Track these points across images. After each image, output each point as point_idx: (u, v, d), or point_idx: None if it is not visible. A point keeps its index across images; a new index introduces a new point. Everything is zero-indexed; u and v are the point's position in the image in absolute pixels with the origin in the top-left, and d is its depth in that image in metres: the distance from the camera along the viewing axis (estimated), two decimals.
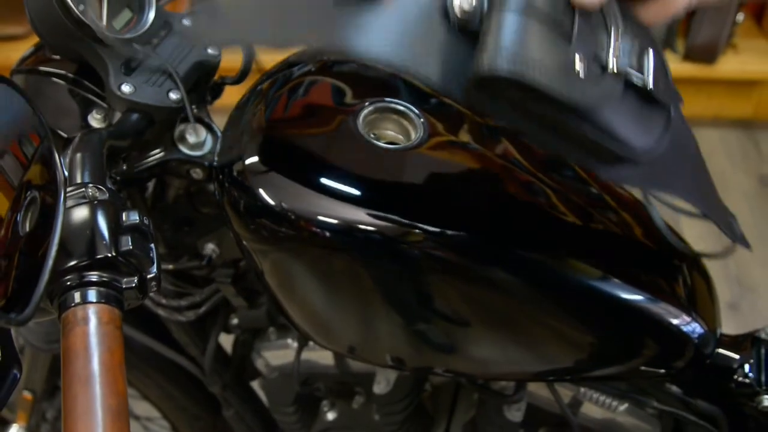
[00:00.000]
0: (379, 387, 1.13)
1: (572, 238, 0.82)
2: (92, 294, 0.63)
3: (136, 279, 0.66)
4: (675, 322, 0.91)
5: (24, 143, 0.72)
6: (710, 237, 0.86)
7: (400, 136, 0.92)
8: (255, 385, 1.36)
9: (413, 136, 0.90)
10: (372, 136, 0.89)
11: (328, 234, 0.84)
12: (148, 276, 0.68)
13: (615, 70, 0.68)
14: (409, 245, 0.85)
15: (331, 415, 1.26)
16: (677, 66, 2.91)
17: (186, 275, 1.14)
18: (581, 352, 0.95)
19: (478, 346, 0.96)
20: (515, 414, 1.10)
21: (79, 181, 0.71)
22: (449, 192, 0.86)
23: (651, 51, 0.72)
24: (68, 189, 0.68)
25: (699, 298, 0.94)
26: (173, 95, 0.87)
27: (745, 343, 1.00)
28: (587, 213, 0.89)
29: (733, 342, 0.99)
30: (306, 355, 1.16)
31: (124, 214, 0.68)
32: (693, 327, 0.90)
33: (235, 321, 1.20)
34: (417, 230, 0.84)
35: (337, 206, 0.84)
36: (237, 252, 1.02)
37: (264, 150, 0.87)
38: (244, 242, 0.91)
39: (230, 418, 1.34)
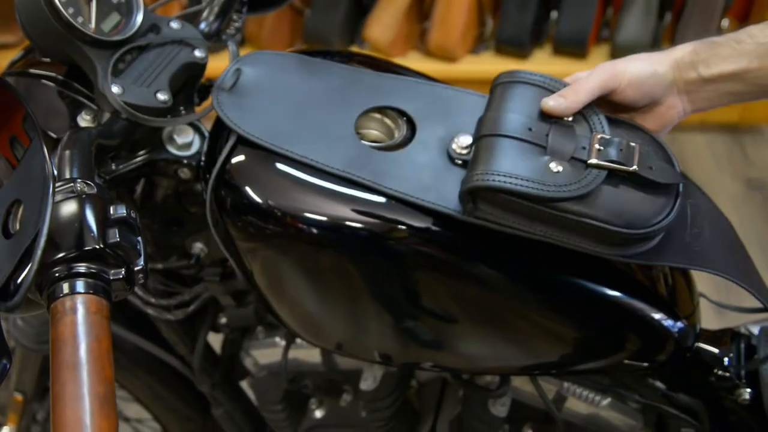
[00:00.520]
0: (366, 384, 1.14)
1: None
2: (80, 285, 0.64)
3: (123, 271, 0.67)
4: (656, 316, 0.92)
5: (14, 144, 0.74)
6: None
7: (384, 136, 0.93)
8: (244, 384, 1.37)
9: (396, 135, 0.91)
10: (357, 135, 0.90)
11: (314, 231, 0.86)
12: (136, 268, 0.69)
13: (596, 163, 0.80)
14: (395, 241, 0.86)
15: (319, 413, 1.27)
16: None
17: (175, 274, 1.15)
18: (565, 346, 0.96)
19: (464, 340, 0.97)
20: (500, 409, 1.11)
21: (67, 176, 0.73)
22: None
23: (639, 143, 0.82)
24: (57, 184, 0.70)
25: (679, 294, 0.95)
26: (161, 96, 0.88)
27: (725, 337, 1.01)
28: None
29: (713, 337, 1.01)
30: (294, 353, 1.17)
31: (111, 208, 0.69)
32: (673, 322, 0.91)
33: (223, 320, 1.21)
34: (403, 227, 0.85)
35: (323, 203, 0.86)
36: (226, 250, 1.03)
37: (250, 149, 0.88)
38: (232, 240, 0.92)
39: (219, 417, 1.35)
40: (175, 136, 0.98)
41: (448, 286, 0.91)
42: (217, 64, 0.99)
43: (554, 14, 2.87)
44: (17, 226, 0.67)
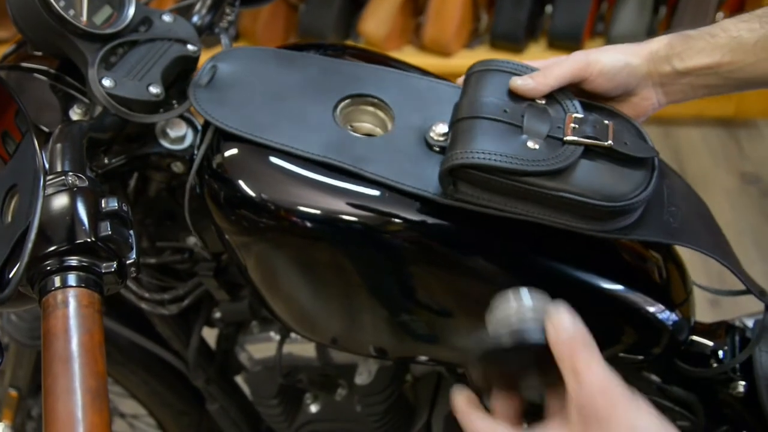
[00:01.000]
0: (361, 378, 1.14)
1: (550, 227, 0.84)
2: (72, 278, 0.64)
3: (115, 264, 0.67)
4: (650, 309, 0.92)
5: (6, 139, 0.74)
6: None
7: (377, 129, 0.93)
8: (239, 379, 1.37)
9: (389, 127, 0.91)
10: (349, 128, 0.90)
11: (308, 224, 0.85)
12: (127, 261, 0.69)
13: (571, 140, 0.81)
14: (389, 234, 0.86)
15: (314, 407, 1.27)
16: None
17: (169, 269, 1.14)
18: None
19: (460, 334, 0.97)
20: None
21: (59, 170, 0.72)
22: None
23: (612, 121, 0.83)
24: (48, 177, 0.69)
25: (673, 287, 0.95)
26: (153, 89, 0.88)
27: (720, 331, 1.01)
28: None
29: (708, 330, 1.01)
30: (288, 347, 1.17)
31: (103, 201, 0.69)
32: (668, 315, 0.91)
33: (218, 314, 1.20)
34: (395, 219, 0.85)
35: (317, 196, 0.85)
36: (219, 245, 1.03)
37: (242, 143, 0.88)
38: (226, 235, 0.92)
39: (215, 412, 1.34)
40: (168, 130, 0.98)
41: (441, 278, 0.91)
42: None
43: (549, 8, 2.87)
44: (9, 218, 0.67)
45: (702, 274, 0.96)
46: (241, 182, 0.87)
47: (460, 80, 0.91)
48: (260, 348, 1.20)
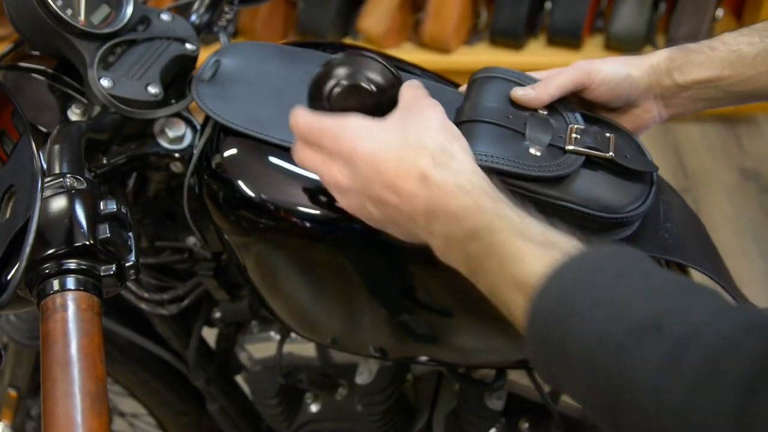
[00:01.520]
0: (362, 378, 1.13)
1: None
2: (70, 281, 0.63)
3: (114, 267, 0.67)
4: None
5: (3, 138, 0.73)
6: None
7: None
8: (239, 379, 1.36)
9: None
10: None
11: (308, 224, 0.85)
12: (127, 264, 0.68)
13: (573, 149, 0.81)
14: (389, 234, 0.86)
15: (314, 407, 1.26)
16: None
17: (168, 269, 1.14)
18: None
19: (461, 334, 0.97)
20: (496, 403, 1.10)
21: (57, 171, 0.72)
22: None
23: (614, 134, 0.83)
24: (46, 179, 0.69)
25: None
26: (152, 89, 0.87)
27: None
28: None
29: None
30: (288, 347, 1.16)
31: (101, 203, 0.69)
32: None
33: (217, 314, 1.20)
34: None
35: (316, 196, 0.85)
36: (218, 245, 1.02)
37: (242, 142, 0.88)
38: (225, 235, 0.91)
39: (214, 412, 1.34)
40: (167, 130, 0.97)
41: (442, 278, 0.90)
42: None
43: (548, 5, 2.86)
44: (5, 218, 0.67)
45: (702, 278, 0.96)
46: (240, 182, 0.86)
47: (463, 88, 0.90)
48: (260, 348, 1.20)
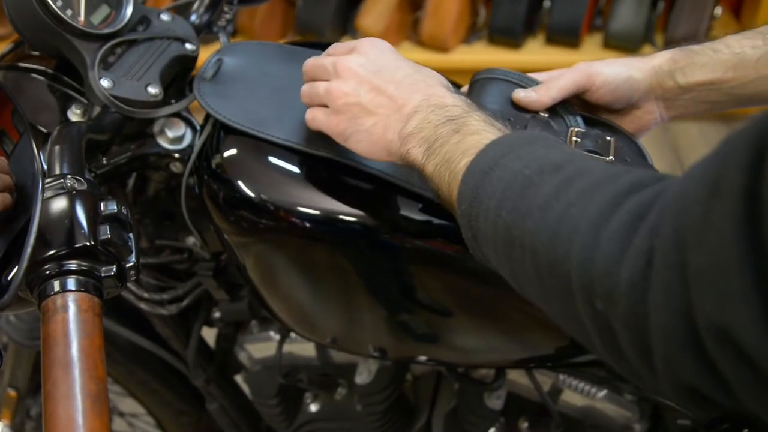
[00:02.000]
0: (361, 378, 1.13)
1: None
2: (71, 282, 0.63)
3: (114, 267, 0.67)
4: None
5: (3, 138, 0.73)
6: None
7: None
8: (239, 378, 1.36)
9: None
10: None
11: (307, 224, 0.85)
12: (127, 265, 0.68)
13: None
14: (388, 234, 0.86)
15: (314, 407, 1.26)
16: None
17: (168, 269, 1.14)
18: (560, 338, 0.96)
19: (459, 334, 0.97)
20: (495, 402, 1.10)
21: (57, 172, 0.72)
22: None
23: (614, 137, 0.84)
24: (47, 180, 0.69)
25: None
26: (152, 89, 0.87)
27: None
28: None
29: None
30: (288, 347, 1.16)
31: (102, 204, 0.69)
32: None
33: (217, 314, 1.20)
34: (397, 219, 0.85)
35: (316, 197, 0.85)
36: (218, 245, 1.02)
37: (242, 142, 0.88)
38: (225, 235, 0.91)
39: (214, 412, 1.34)
40: (167, 130, 0.97)
41: (441, 278, 0.91)
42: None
43: (547, 3, 2.86)
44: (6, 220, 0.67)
45: None
46: (240, 182, 0.86)
47: (465, 89, 0.91)
48: (260, 347, 1.20)
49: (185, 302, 1.15)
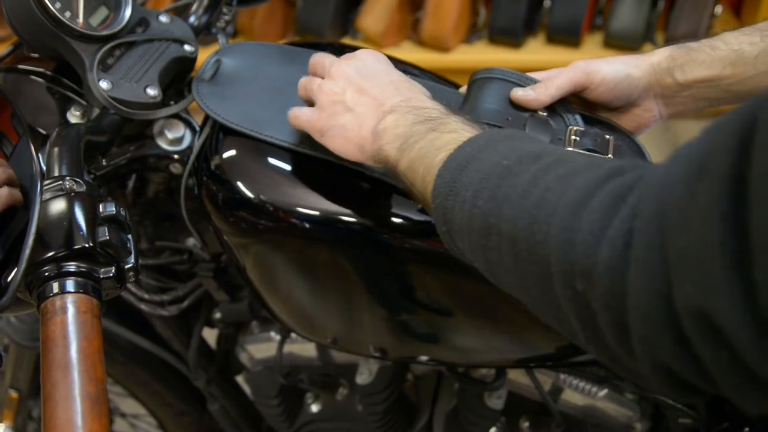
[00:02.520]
0: (362, 378, 1.14)
1: None
2: (70, 284, 0.64)
3: (113, 269, 0.67)
4: None
5: (2, 140, 0.73)
6: None
7: None
8: (240, 379, 1.37)
9: None
10: None
11: (307, 225, 0.85)
12: (126, 266, 0.68)
13: (572, 149, 0.81)
14: (388, 235, 0.86)
15: (315, 407, 1.27)
16: None
17: (168, 270, 1.14)
18: (561, 338, 0.96)
19: (461, 333, 0.97)
20: (496, 402, 1.10)
21: (56, 174, 0.72)
22: None
23: (613, 136, 0.84)
24: (46, 182, 0.69)
25: None
26: (150, 91, 0.87)
27: None
28: None
29: None
30: (289, 347, 1.16)
31: (101, 206, 0.69)
32: None
33: (218, 315, 1.20)
34: (396, 220, 0.85)
35: (315, 197, 0.85)
36: (218, 246, 1.03)
37: (241, 143, 0.88)
38: (224, 236, 0.92)
39: (215, 412, 1.34)
40: (166, 131, 0.97)
41: (442, 278, 0.91)
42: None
43: (547, 3, 2.86)
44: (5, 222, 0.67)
45: None
46: (239, 183, 0.86)
47: (464, 89, 0.91)
48: (261, 348, 1.20)
49: (186, 303, 1.15)
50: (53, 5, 0.84)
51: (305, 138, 0.86)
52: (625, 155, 0.83)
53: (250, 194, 0.86)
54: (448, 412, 1.18)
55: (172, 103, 0.93)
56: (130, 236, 0.70)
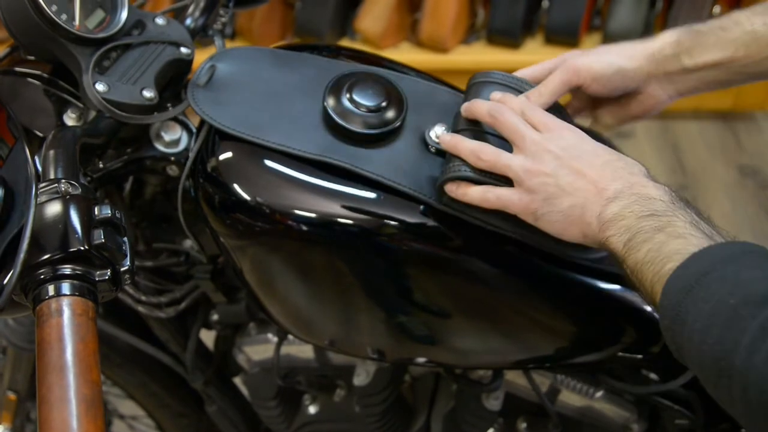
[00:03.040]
0: (359, 379, 1.14)
1: None
2: (65, 287, 0.64)
3: (109, 272, 0.67)
4: (649, 308, 0.92)
5: None
6: None
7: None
8: (237, 381, 1.37)
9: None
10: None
11: (303, 227, 0.85)
12: (122, 269, 0.68)
13: None
14: (385, 237, 0.86)
15: (312, 409, 1.27)
16: None
17: (165, 272, 1.14)
18: (558, 339, 0.96)
19: (458, 335, 0.97)
20: (493, 403, 1.10)
21: (52, 177, 0.72)
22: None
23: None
24: (41, 185, 0.69)
25: None
26: (147, 93, 0.87)
27: None
28: None
29: None
30: (286, 349, 1.16)
31: (96, 209, 0.69)
32: None
33: (215, 317, 1.20)
34: (393, 222, 0.85)
35: (312, 199, 0.85)
36: (215, 248, 1.03)
37: (237, 146, 0.88)
38: (221, 238, 0.92)
39: (213, 414, 1.34)
40: (163, 133, 0.97)
41: (439, 280, 0.91)
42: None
43: (545, 3, 2.86)
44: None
45: None
46: (235, 186, 0.86)
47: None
48: (258, 350, 1.20)
49: (183, 305, 1.15)
50: (49, 8, 0.84)
51: (301, 141, 0.86)
52: None
53: (246, 196, 0.86)
54: (446, 413, 1.19)
55: (168, 105, 0.93)
56: (125, 239, 0.70)
